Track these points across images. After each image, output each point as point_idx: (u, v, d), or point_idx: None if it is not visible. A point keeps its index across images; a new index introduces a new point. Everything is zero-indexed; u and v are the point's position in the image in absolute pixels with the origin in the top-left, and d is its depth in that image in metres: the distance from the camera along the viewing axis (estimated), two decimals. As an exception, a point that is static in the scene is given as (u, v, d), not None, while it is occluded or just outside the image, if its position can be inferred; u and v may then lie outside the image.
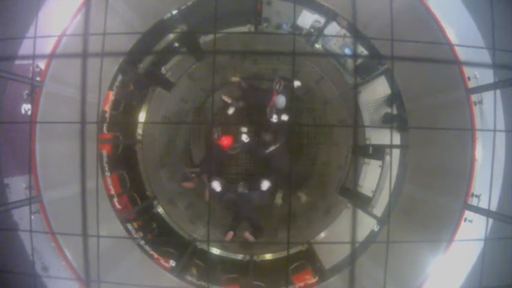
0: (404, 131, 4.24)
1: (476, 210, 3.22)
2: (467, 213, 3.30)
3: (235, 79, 5.73)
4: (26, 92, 3.21)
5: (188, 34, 4.97)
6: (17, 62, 3.23)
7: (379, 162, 4.67)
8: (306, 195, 6.23)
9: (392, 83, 4.42)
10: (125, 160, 4.92)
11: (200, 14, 4.51)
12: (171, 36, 4.87)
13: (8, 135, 3.35)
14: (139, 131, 5.31)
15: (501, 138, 3.07)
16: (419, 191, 3.95)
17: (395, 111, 4.40)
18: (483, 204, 3.17)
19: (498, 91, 2.97)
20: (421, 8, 3.42)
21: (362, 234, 4.38)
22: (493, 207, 3.05)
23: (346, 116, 5.42)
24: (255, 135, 6.22)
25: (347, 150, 5.45)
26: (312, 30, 4.84)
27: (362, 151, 5.03)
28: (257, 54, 5.99)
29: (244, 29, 5.08)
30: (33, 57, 3.13)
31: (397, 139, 4.37)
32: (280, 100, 5.37)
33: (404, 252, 3.47)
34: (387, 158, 4.51)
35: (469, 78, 3.31)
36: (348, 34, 4.60)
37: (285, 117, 5.53)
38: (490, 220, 2.96)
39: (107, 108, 4.35)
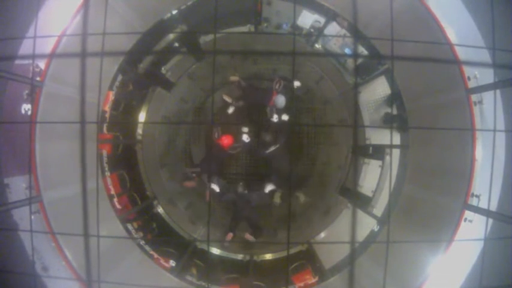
0: (404, 131, 4.24)
1: (476, 210, 3.22)
2: (467, 213, 3.30)
3: (234, 78, 5.73)
4: (26, 92, 3.21)
5: (188, 34, 4.97)
6: (17, 62, 3.23)
7: (379, 162, 4.67)
8: (305, 195, 6.23)
9: (392, 83, 4.42)
10: (124, 160, 4.92)
11: (200, 14, 4.51)
12: (171, 36, 4.86)
13: (8, 135, 3.35)
14: (139, 131, 5.31)
15: (501, 138, 3.07)
16: (419, 191, 3.95)
17: (395, 111, 4.40)
18: (483, 204, 3.17)
19: (498, 91, 2.97)
20: (421, 8, 3.42)
21: (362, 234, 4.38)
22: (493, 207, 3.05)
23: (346, 116, 5.42)
24: (255, 135, 6.22)
25: (347, 150, 5.45)
26: (312, 30, 4.84)
27: (362, 151, 5.03)
28: (257, 54, 5.99)
29: (244, 29, 5.08)
30: (33, 57, 3.13)
31: (397, 139, 4.37)
32: (280, 100, 5.37)
33: (404, 252, 3.47)
34: (387, 158, 4.51)
35: (469, 78, 3.31)
36: (348, 34, 4.60)
37: (285, 117, 5.53)
38: (490, 220, 2.96)
39: (107, 108, 4.35)
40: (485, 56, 3.02)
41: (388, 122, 4.66)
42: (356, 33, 3.87)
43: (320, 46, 5.09)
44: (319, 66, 5.51)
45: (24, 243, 3.16)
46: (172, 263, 4.44)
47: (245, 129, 5.78)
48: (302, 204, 6.17)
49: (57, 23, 3.26)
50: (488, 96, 3.18)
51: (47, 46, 3.21)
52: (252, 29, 5.07)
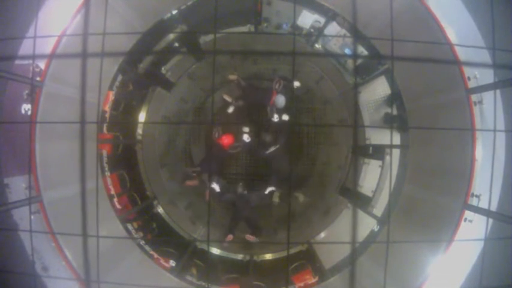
0: (404, 131, 4.24)
1: (476, 210, 3.22)
2: (467, 213, 3.30)
3: (232, 77, 5.74)
4: (26, 92, 3.21)
5: (188, 34, 4.97)
6: (17, 62, 3.23)
7: (379, 162, 4.67)
8: (304, 195, 6.23)
9: (392, 83, 4.42)
10: (124, 160, 4.92)
11: (200, 14, 4.51)
12: (171, 36, 4.87)
13: (8, 135, 3.35)
14: (139, 131, 5.31)
15: (501, 138, 3.07)
16: (419, 191, 3.95)
17: (395, 111, 4.40)
18: (483, 204, 3.17)
19: (498, 91, 2.97)
20: (421, 8, 3.42)
21: (362, 234, 4.38)
22: (493, 207, 3.05)
23: (346, 116, 5.42)
24: (256, 135, 6.23)
25: (347, 150, 5.45)
26: (312, 30, 4.84)
27: (362, 151, 5.03)
28: (257, 54, 5.99)
29: (244, 29, 5.08)
30: (33, 57, 3.13)
31: (397, 139, 4.37)
32: (280, 100, 5.37)
33: (404, 252, 3.47)
34: (387, 158, 4.51)
35: (469, 78, 3.31)
36: (348, 34, 4.60)
37: (285, 117, 5.53)
38: (490, 220, 2.96)
39: (107, 108, 4.35)
40: (485, 56, 3.02)
41: (388, 122, 4.66)
42: (356, 33, 3.87)
43: (320, 46, 5.09)
44: (319, 66, 5.51)
45: (24, 243, 3.16)
46: (172, 263, 4.44)
47: (246, 129, 5.79)
48: (302, 204, 6.17)
49: (57, 23, 3.26)
50: (488, 96, 3.18)
51: (47, 46, 3.21)
52: (252, 29, 5.07)
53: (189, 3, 4.38)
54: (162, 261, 4.37)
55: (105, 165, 4.33)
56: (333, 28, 4.65)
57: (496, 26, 2.54)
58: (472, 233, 3.23)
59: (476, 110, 3.30)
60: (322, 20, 4.66)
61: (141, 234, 4.64)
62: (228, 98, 6.05)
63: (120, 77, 4.49)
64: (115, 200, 4.32)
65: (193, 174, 5.73)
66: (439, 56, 3.46)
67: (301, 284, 4.45)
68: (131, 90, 4.92)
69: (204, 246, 5.14)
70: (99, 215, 2.79)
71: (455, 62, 3.33)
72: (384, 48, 3.94)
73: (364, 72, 4.95)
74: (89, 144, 3.37)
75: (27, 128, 3.20)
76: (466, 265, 3.20)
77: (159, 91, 5.44)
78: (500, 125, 3.02)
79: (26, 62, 3.24)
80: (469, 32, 3.23)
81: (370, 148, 4.92)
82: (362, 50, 4.39)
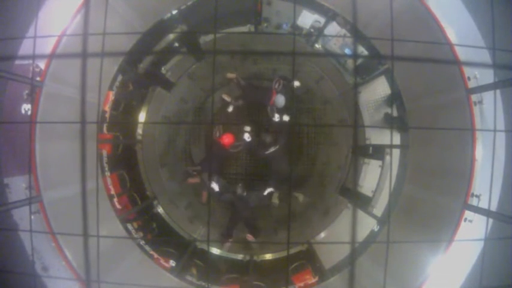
0: (405, 131, 4.24)
1: (476, 210, 3.22)
2: (467, 213, 3.30)
3: (231, 75, 5.74)
4: (26, 92, 3.21)
5: (188, 34, 4.97)
6: (17, 62, 3.23)
7: (379, 162, 4.67)
8: (304, 195, 6.23)
9: (392, 83, 4.42)
10: (125, 160, 4.92)
11: (200, 14, 4.51)
12: (171, 36, 4.87)
13: (8, 135, 3.34)
14: (139, 131, 5.31)
15: (501, 138, 3.07)
16: (419, 191, 3.95)
17: (395, 111, 4.40)
18: (483, 204, 3.17)
19: (498, 91, 2.97)
20: (421, 8, 3.42)
21: (362, 234, 4.38)
22: (493, 207, 3.04)
23: (346, 116, 5.42)
24: (256, 134, 6.23)
25: (347, 150, 5.45)
26: (312, 30, 4.84)
27: (362, 151, 5.03)
28: (257, 54, 5.99)
29: (244, 29, 5.08)
30: (33, 57, 3.13)
31: (397, 139, 4.37)
32: (280, 99, 5.37)
33: (404, 252, 3.47)
34: (387, 158, 4.51)
35: (469, 78, 3.31)
36: (348, 34, 4.60)
37: (285, 117, 5.53)
38: (490, 220, 2.96)
39: (107, 108, 4.35)
40: (485, 56, 3.02)
41: (388, 122, 4.66)
42: (356, 33, 3.87)
43: (320, 46, 5.09)
44: (319, 66, 5.51)
45: (24, 243, 3.16)
46: (172, 263, 4.44)
47: (247, 128, 5.79)
48: (302, 204, 6.17)
49: (57, 23, 3.26)
50: (488, 96, 3.18)
51: (47, 46, 3.21)
52: (252, 29, 5.07)
53: (189, 3, 4.38)
54: (162, 261, 4.37)
55: (105, 165, 4.33)
56: (333, 28, 4.65)
57: (496, 26, 2.54)
58: (472, 233, 3.23)
59: (476, 110, 3.30)
60: (322, 20, 4.67)
61: (141, 234, 4.64)
62: (227, 98, 6.05)
63: (120, 77, 4.49)
64: (115, 200, 4.32)
65: (193, 173, 5.73)
66: (439, 56, 3.46)
67: (301, 284, 4.45)
68: (131, 90, 4.92)
69: (204, 246, 5.14)
70: (99, 215, 2.79)
71: (455, 62, 3.33)
72: (384, 48, 3.94)
73: (364, 72, 4.95)
74: (89, 144, 3.38)
75: (27, 128, 3.20)
76: (466, 265, 3.20)
77: (159, 91, 5.44)
78: (500, 125, 3.02)
79: (26, 62, 3.24)
80: (469, 32, 3.23)
81: (370, 148, 4.92)
82: (362, 50, 4.39)
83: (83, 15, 3.24)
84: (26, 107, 3.25)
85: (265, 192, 5.57)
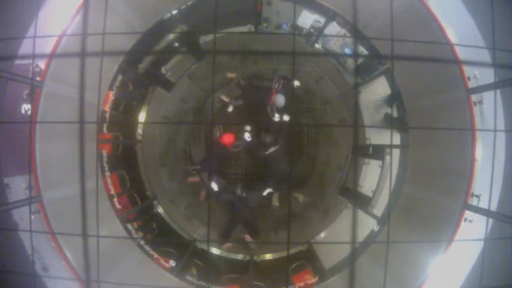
0: (404, 131, 4.24)
1: (476, 210, 3.22)
2: (467, 213, 3.30)
3: (231, 75, 5.74)
4: (26, 92, 3.21)
5: (188, 34, 4.97)
6: (17, 62, 3.23)
7: (379, 162, 4.67)
8: (304, 195, 6.23)
9: (392, 83, 4.42)
10: (124, 160, 4.92)
11: (200, 14, 4.51)
12: (171, 36, 4.87)
13: (8, 135, 3.35)
14: (139, 131, 5.31)
15: (501, 138, 3.06)
16: (419, 191, 3.95)
17: (395, 111, 4.40)
18: (483, 204, 3.17)
19: (498, 91, 2.97)
20: (421, 8, 3.42)
21: (362, 234, 4.38)
22: (493, 207, 3.04)
23: (346, 116, 5.42)
24: (256, 134, 6.23)
25: (347, 150, 5.45)
26: (312, 30, 4.84)
27: (362, 151, 5.03)
28: (257, 54, 5.99)
29: (244, 29, 5.08)
30: (33, 57, 3.13)
31: (397, 139, 4.37)
32: (280, 99, 5.37)
33: (404, 252, 3.47)
34: (387, 158, 4.51)
35: (469, 78, 3.31)
36: (348, 34, 4.60)
37: (285, 117, 5.53)
38: (490, 220, 2.96)
39: (107, 108, 4.35)
40: (485, 56, 3.02)
41: (388, 122, 4.66)
42: (356, 33, 3.86)
43: (320, 46, 5.08)
44: (319, 66, 5.51)
45: (24, 243, 3.16)
46: (172, 263, 4.44)
47: (247, 128, 5.79)
48: (302, 204, 6.17)
49: (57, 23, 3.26)
50: (488, 96, 3.18)
51: (47, 46, 3.21)
52: (252, 29, 5.07)
53: (189, 3, 4.38)
54: (162, 261, 4.37)
55: (105, 165, 4.33)
56: (333, 28, 4.65)
57: (496, 26, 2.53)
58: (472, 233, 3.23)
59: (476, 110, 3.29)
60: (322, 20, 4.66)
61: (141, 234, 4.64)
62: (225, 99, 6.05)
63: (120, 77, 4.49)
64: (115, 200, 4.32)
65: (193, 172, 5.74)
66: (439, 56, 3.46)
67: (301, 284, 4.45)
68: (131, 90, 4.92)
69: (204, 246, 5.14)
70: (99, 215, 2.79)
71: (455, 62, 3.33)
72: (384, 48, 3.93)
73: (364, 72, 4.95)
74: (89, 144, 3.38)
75: (27, 128, 3.20)
76: (466, 265, 3.20)
77: (159, 91, 5.44)
78: (500, 125, 3.01)
79: (26, 62, 3.24)
80: (469, 32, 3.23)
81: (370, 148, 4.92)
82: (362, 50, 4.39)
83: (82, 15, 3.24)
84: (26, 107, 3.25)
85: (265, 193, 5.57)
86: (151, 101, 5.40)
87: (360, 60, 5.00)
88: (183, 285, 4.31)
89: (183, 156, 6.48)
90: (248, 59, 5.90)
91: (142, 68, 5.01)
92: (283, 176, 5.63)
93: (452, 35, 3.32)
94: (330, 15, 4.49)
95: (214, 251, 5.27)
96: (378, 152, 4.72)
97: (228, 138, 5.62)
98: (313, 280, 4.50)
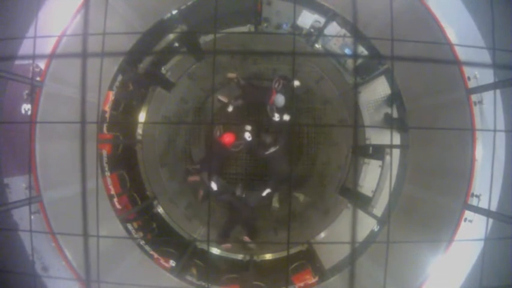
0: (405, 131, 4.24)
1: (476, 210, 3.22)
2: (467, 213, 3.30)
3: (231, 75, 5.74)
4: (26, 92, 3.21)
5: (188, 34, 4.97)
6: (17, 62, 3.23)
7: (379, 162, 4.67)
8: (304, 195, 6.23)
9: (392, 83, 4.42)
10: (124, 160, 4.92)
11: (200, 14, 4.51)
12: (171, 36, 4.86)
13: (8, 135, 3.35)
14: (139, 131, 5.31)
15: (501, 138, 3.07)
16: (419, 191, 3.95)
17: (395, 111, 4.40)
18: (483, 204, 3.17)
19: (498, 91, 2.97)
20: (421, 8, 3.42)
21: (362, 234, 4.38)
22: (493, 207, 3.05)
23: (346, 116, 5.42)
24: (256, 134, 6.23)
25: (347, 150, 5.45)
26: (312, 30, 4.84)
27: (362, 151, 5.03)
28: (257, 54, 5.98)
29: (244, 29, 5.08)
30: (33, 57, 3.13)
31: (397, 139, 4.37)
32: (280, 99, 5.37)
33: (404, 252, 3.47)
34: (387, 158, 4.51)
35: (469, 78, 3.31)
36: (348, 34, 4.60)
37: (285, 117, 5.53)
38: (490, 220, 2.96)
39: (107, 108, 4.35)
40: (485, 56, 3.02)
41: (388, 122, 4.66)
42: (356, 33, 3.86)
43: (320, 46, 5.08)
44: (319, 66, 5.51)
45: (24, 243, 3.16)
46: (172, 263, 4.44)
47: (247, 127, 5.79)
48: (302, 204, 6.17)
49: (57, 23, 3.26)
50: (488, 96, 3.18)
51: (47, 46, 3.21)
52: (252, 29, 5.07)
53: (189, 3, 4.38)
54: (162, 261, 4.37)
55: (105, 165, 4.33)
56: (333, 28, 4.65)
57: (496, 26, 2.54)
58: (472, 233, 3.23)
59: (476, 110, 3.30)
60: (322, 20, 4.66)
61: (141, 234, 4.64)
62: (223, 99, 6.05)
63: (120, 77, 4.49)
64: (115, 200, 4.32)
65: (193, 170, 5.74)
66: (439, 56, 3.46)
67: (301, 284, 4.45)
68: (131, 90, 4.92)
69: (204, 246, 5.14)
70: (99, 215, 2.79)
71: (455, 62, 3.33)
72: (384, 48, 3.94)
73: (364, 72, 4.95)
74: (89, 144, 3.38)
75: (27, 128, 3.20)
76: (466, 265, 3.20)
77: (159, 91, 5.44)
78: (500, 125, 3.02)
79: (26, 62, 3.24)
80: (469, 32, 3.23)
81: (370, 148, 4.92)
82: (362, 50, 4.39)
83: (82, 15, 3.24)
84: (26, 107, 3.25)
85: (265, 193, 5.57)
86: (151, 101, 5.39)
87: (360, 60, 5.00)
88: (183, 285, 4.31)
89: (183, 156, 6.48)
90: (248, 59, 5.90)
91: (142, 68, 5.01)
92: (283, 176, 5.63)
93: (452, 35, 3.32)
94: (330, 15, 4.49)
95: (214, 251, 5.27)
96: (378, 152, 4.72)
97: (228, 138, 5.61)
98: (313, 280, 4.50)
